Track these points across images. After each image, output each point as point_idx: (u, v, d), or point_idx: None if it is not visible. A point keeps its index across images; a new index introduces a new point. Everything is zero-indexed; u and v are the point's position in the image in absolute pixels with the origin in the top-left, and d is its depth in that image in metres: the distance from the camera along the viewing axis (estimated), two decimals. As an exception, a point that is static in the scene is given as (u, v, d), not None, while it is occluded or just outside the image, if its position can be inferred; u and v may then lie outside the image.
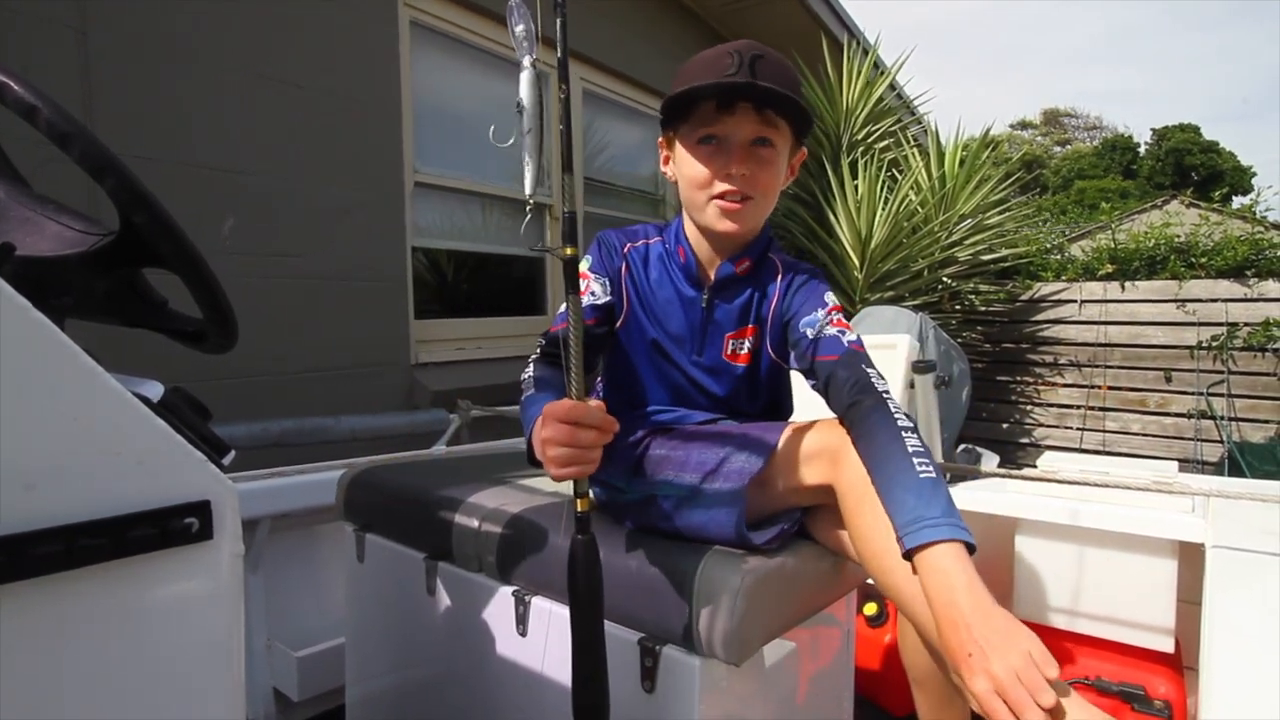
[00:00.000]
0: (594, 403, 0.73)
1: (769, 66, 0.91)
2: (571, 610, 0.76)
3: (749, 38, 0.98)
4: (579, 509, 0.76)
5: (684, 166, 0.98)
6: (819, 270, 1.06)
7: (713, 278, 1.02)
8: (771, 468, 0.92)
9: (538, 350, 1.03)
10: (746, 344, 1.03)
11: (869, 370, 0.88)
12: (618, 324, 1.05)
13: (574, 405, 0.73)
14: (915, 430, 0.80)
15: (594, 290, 1.02)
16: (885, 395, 0.84)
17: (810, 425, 0.93)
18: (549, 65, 0.74)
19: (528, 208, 0.82)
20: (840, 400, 0.88)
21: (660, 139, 1.05)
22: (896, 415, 0.81)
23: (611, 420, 0.74)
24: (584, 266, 1.04)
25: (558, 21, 0.77)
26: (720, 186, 0.94)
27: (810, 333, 0.95)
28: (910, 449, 0.77)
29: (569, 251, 0.75)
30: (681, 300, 1.03)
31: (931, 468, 0.75)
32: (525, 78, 0.82)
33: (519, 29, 0.80)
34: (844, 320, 0.96)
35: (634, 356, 1.06)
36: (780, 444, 0.93)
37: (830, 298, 0.99)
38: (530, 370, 0.98)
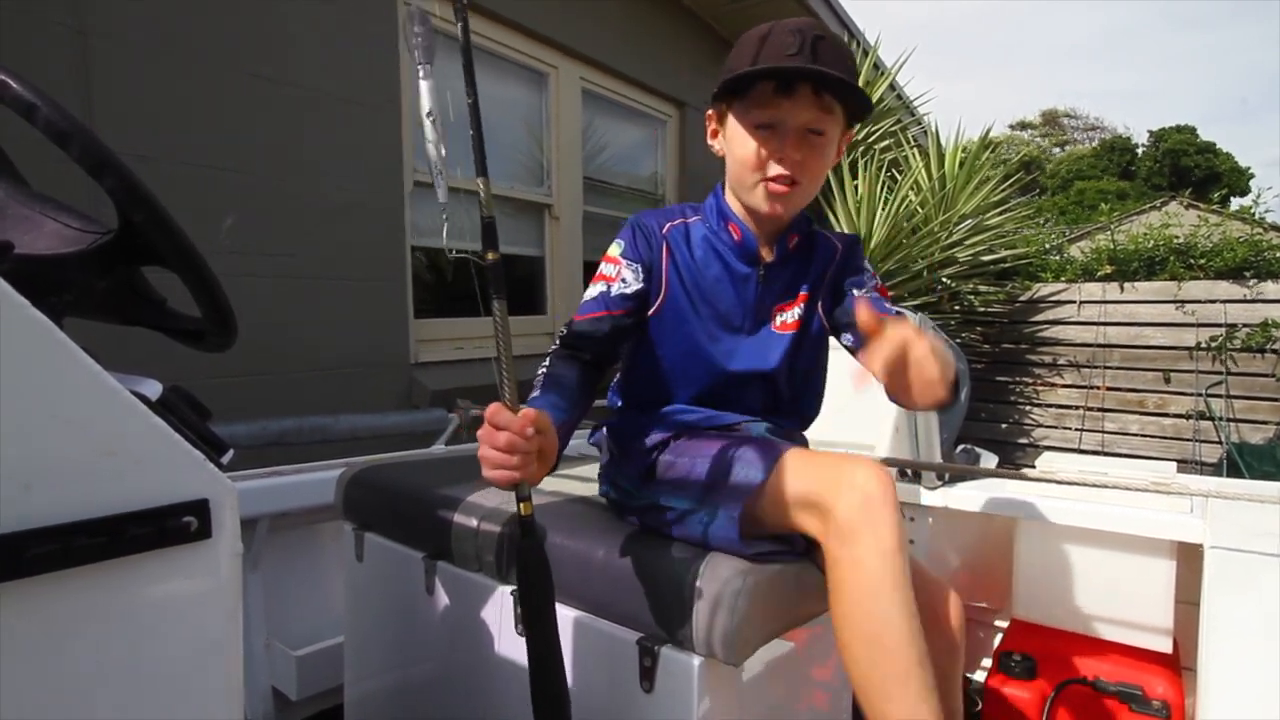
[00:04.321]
0: (524, 410, 0.71)
1: (829, 50, 0.89)
2: (524, 619, 0.76)
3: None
4: (522, 513, 0.75)
5: (736, 145, 0.96)
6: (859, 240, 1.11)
7: (768, 256, 1.01)
8: (766, 495, 0.87)
9: (557, 342, 0.99)
10: (796, 312, 1.02)
11: None
12: (650, 311, 1.01)
13: (495, 410, 0.70)
14: None
15: (624, 278, 0.99)
16: None
17: (818, 458, 0.88)
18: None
19: (443, 216, 0.81)
20: None
21: (710, 110, 1.02)
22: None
23: (523, 427, 0.70)
24: (615, 251, 1.01)
25: (458, 26, 0.76)
26: (772, 170, 0.93)
27: (857, 292, 1.01)
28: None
29: (490, 257, 0.74)
30: (732, 278, 1.01)
31: None
32: (425, 87, 0.80)
33: (416, 39, 0.78)
34: (883, 287, 1.05)
35: (667, 346, 1.02)
36: (783, 469, 0.87)
37: (870, 267, 1.07)
38: (545, 365, 0.95)
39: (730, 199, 1.02)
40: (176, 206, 0.69)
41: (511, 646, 1.02)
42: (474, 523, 1.09)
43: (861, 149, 4.10)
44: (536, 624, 0.76)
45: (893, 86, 4.45)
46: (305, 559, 1.59)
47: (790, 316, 1.02)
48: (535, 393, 0.90)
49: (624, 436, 1.05)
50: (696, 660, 0.83)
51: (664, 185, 4.10)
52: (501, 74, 2.95)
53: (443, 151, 0.79)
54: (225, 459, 0.64)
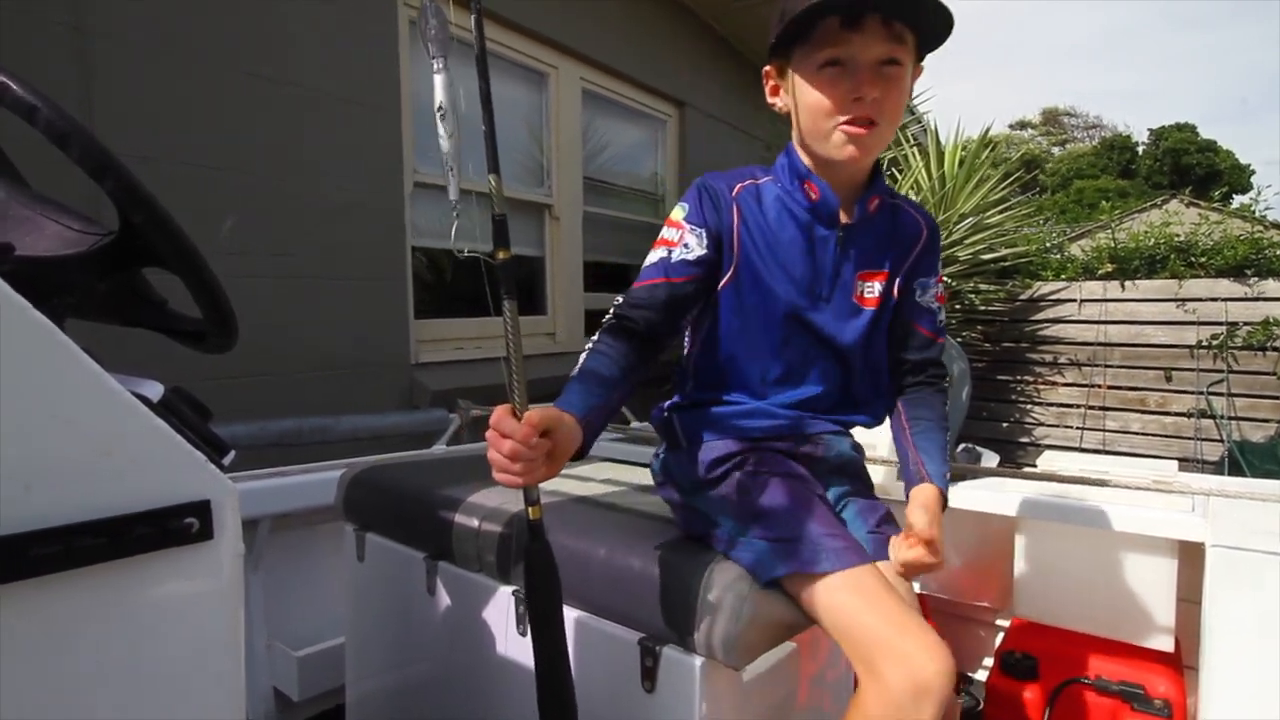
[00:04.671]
0: (529, 414, 0.69)
1: None
2: (531, 623, 0.76)
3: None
4: (530, 516, 0.75)
5: (803, 94, 0.89)
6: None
7: (847, 217, 0.94)
8: (821, 589, 0.82)
9: (611, 313, 0.91)
10: (877, 287, 0.97)
11: (941, 361, 1.03)
12: (722, 283, 0.94)
13: (498, 417, 0.69)
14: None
15: (687, 242, 0.92)
16: (945, 389, 1.04)
17: (887, 606, 0.79)
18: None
19: (454, 213, 0.80)
20: (909, 372, 1.03)
21: (767, 68, 0.95)
22: (944, 410, 1.03)
23: (527, 435, 0.68)
24: (677, 214, 0.95)
25: (473, 19, 0.74)
26: (847, 111, 0.86)
27: (919, 294, 1.00)
28: (944, 441, 0.99)
29: (501, 255, 0.72)
30: (809, 240, 0.94)
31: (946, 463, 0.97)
32: (439, 81, 0.79)
33: (431, 32, 0.77)
34: (943, 294, 1.02)
35: (739, 317, 0.95)
36: (850, 586, 0.81)
37: (939, 266, 1.03)
38: (591, 341, 0.89)
39: (803, 156, 0.95)
40: (177, 207, 0.69)
41: (513, 647, 1.02)
42: (475, 523, 1.09)
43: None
44: (544, 628, 0.76)
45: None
46: (307, 560, 1.59)
47: (873, 290, 0.97)
48: (573, 372, 0.85)
49: (692, 429, 0.99)
50: (698, 661, 0.83)
51: (664, 185, 4.10)
52: (501, 74, 2.95)
53: (456, 147, 0.79)
54: (226, 460, 0.64)
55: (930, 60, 0.93)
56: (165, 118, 1.84)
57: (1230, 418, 4.16)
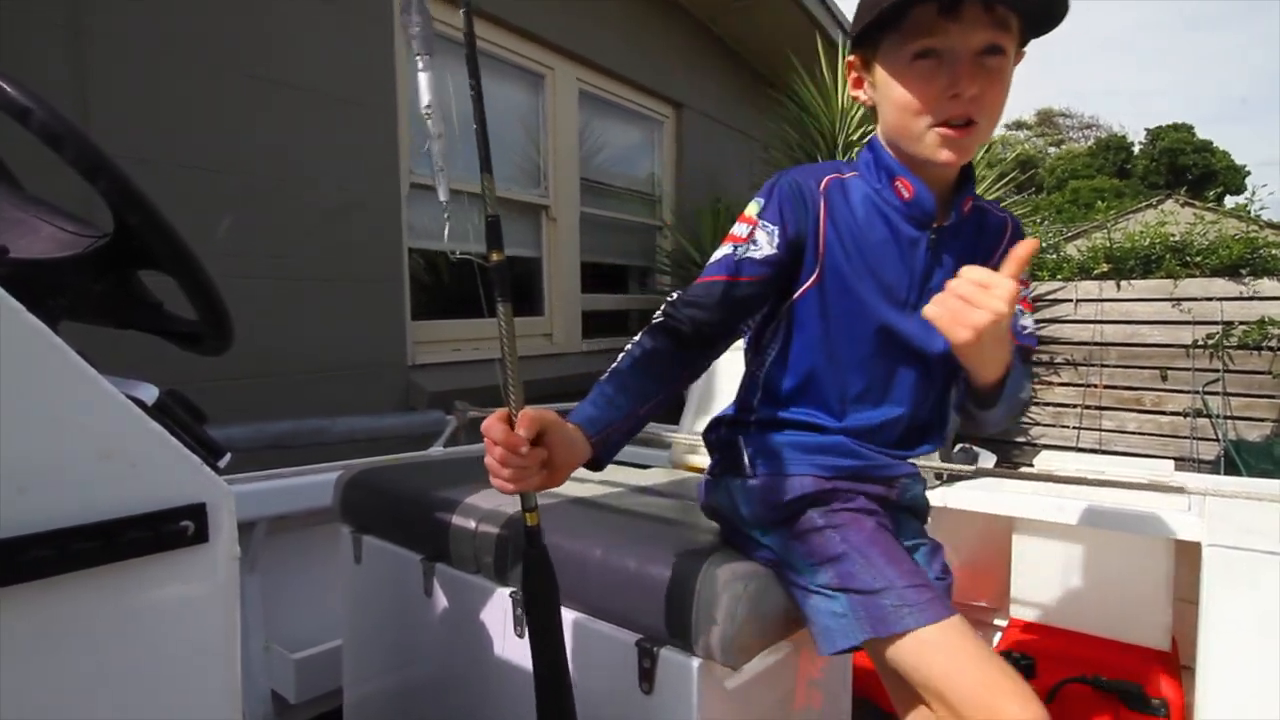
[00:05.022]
0: (522, 417, 0.68)
1: None
2: (530, 630, 0.75)
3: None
4: (527, 523, 0.74)
5: (891, 90, 0.80)
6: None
7: (942, 217, 0.86)
8: (906, 645, 0.77)
9: (661, 309, 0.84)
10: None
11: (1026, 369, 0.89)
12: (803, 288, 0.86)
13: (488, 424, 0.68)
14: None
15: (757, 239, 0.84)
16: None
17: (979, 658, 0.75)
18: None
19: (445, 215, 0.79)
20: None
21: (850, 58, 0.87)
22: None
23: (516, 444, 0.67)
24: (751, 210, 0.87)
25: (462, 13, 0.73)
26: (944, 110, 0.77)
27: None
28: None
29: (495, 257, 0.70)
30: (899, 242, 0.85)
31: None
32: (424, 79, 0.77)
33: (414, 29, 0.75)
34: (1029, 301, 0.91)
35: (820, 324, 0.87)
36: (940, 639, 0.76)
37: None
38: (632, 341, 0.83)
39: (891, 151, 0.86)
40: (171, 209, 0.69)
41: (510, 648, 1.02)
42: (472, 524, 1.08)
43: (857, 149, 4.10)
44: (543, 634, 0.75)
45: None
46: (303, 562, 1.58)
47: None
48: (602, 378, 0.81)
49: (763, 457, 0.91)
50: (696, 662, 0.83)
51: (661, 186, 4.10)
52: (498, 75, 2.95)
53: (443, 147, 0.78)
54: (222, 463, 0.64)
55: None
56: (161, 119, 1.84)
57: (1226, 417, 4.18)
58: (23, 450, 0.48)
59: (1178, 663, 1.38)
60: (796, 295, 0.87)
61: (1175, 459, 3.62)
